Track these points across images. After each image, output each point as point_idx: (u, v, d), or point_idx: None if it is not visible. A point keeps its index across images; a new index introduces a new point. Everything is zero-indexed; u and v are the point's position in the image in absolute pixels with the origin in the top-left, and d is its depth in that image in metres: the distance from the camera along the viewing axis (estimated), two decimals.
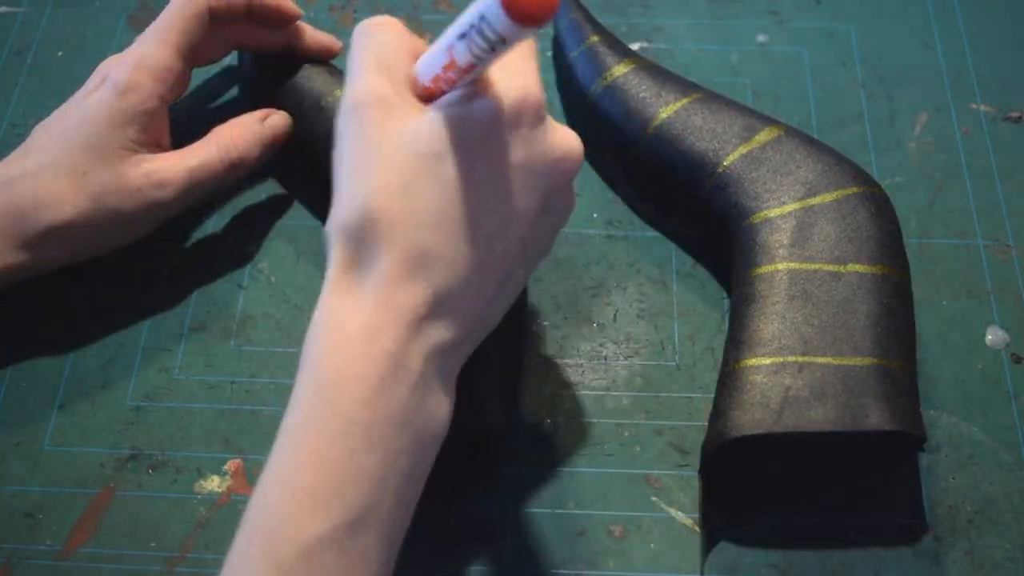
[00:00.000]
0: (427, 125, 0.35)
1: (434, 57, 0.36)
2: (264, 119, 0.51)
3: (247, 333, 0.50)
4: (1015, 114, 0.57)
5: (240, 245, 0.53)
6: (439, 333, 0.35)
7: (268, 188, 0.55)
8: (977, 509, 0.45)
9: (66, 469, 0.46)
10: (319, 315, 0.35)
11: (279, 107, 0.52)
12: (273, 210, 0.54)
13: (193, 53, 0.50)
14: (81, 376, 0.49)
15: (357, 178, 0.36)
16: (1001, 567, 0.43)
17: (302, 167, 0.54)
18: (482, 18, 0.31)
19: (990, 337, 0.49)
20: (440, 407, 0.36)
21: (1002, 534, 0.44)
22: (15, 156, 0.48)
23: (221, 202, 0.54)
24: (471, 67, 0.34)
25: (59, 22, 0.62)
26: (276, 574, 0.32)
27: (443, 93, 0.36)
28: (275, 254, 0.53)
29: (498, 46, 0.32)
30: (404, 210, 0.35)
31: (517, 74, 0.37)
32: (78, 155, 0.47)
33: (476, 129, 0.35)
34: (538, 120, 0.36)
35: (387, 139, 0.35)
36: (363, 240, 0.35)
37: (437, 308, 0.35)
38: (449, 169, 0.35)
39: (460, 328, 0.36)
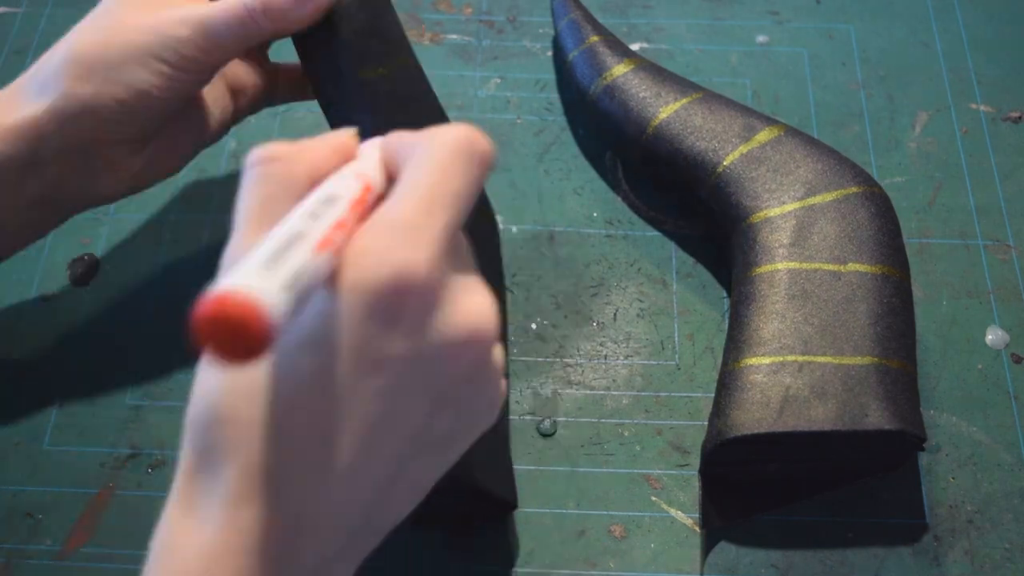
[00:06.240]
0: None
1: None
2: None
3: None
4: (1015, 114, 0.57)
5: None
6: (298, 556, 0.29)
7: None
8: (977, 509, 0.45)
9: (66, 469, 0.46)
10: (159, 532, 0.30)
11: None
12: None
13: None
14: (81, 376, 0.49)
15: (210, 367, 0.30)
16: (1001, 567, 0.43)
17: None
18: None
19: (990, 337, 0.49)
20: None
21: (1002, 534, 0.44)
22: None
23: (221, 200, 0.54)
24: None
25: (59, 22, 0.62)
26: None
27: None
28: None
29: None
30: (250, 417, 0.29)
31: (402, 235, 0.28)
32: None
33: (340, 325, 0.28)
34: (425, 303, 0.29)
35: None
36: (208, 445, 0.29)
37: (291, 530, 0.29)
38: (306, 369, 0.28)
39: (330, 546, 0.30)
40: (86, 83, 0.42)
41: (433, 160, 0.30)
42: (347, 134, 0.34)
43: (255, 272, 0.24)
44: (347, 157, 0.33)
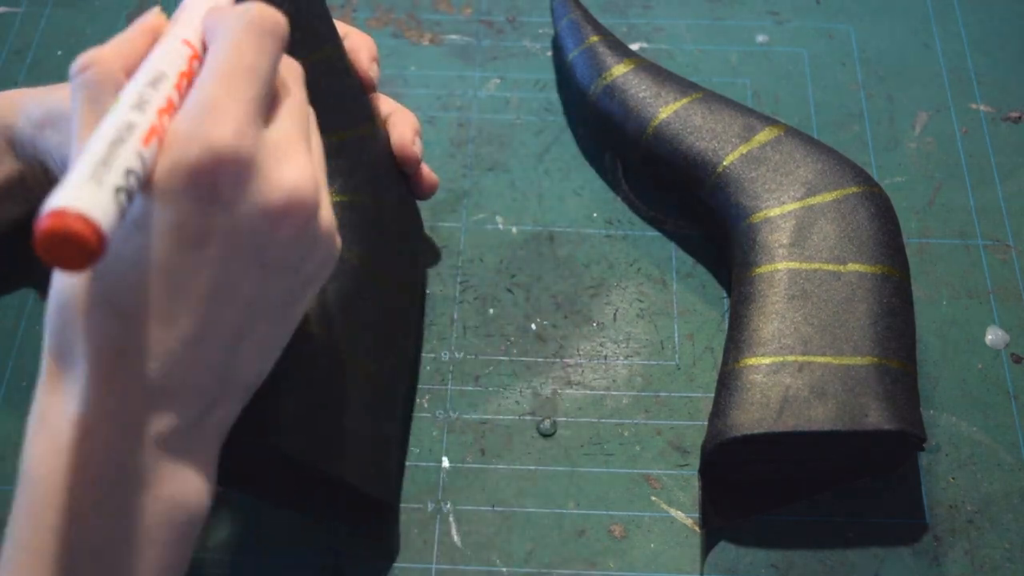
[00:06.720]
0: None
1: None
2: None
3: None
4: (1015, 114, 0.57)
5: None
6: (164, 420, 0.32)
7: None
8: (977, 509, 0.45)
9: None
10: (32, 415, 0.32)
11: None
12: None
13: None
14: None
15: None
16: (1001, 567, 0.43)
17: None
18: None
19: (990, 337, 0.49)
20: (187, 490, 0.33)
21: (1002, 534, 0.44)
22: None
23: None
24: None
25: (59, 22, 0.62)
26: None
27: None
28: None
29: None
30: (93, 301, 0.31)
31: (207, 115, 0.30)
32: None
33: (161, 208, 0.30)
34: (238, 174, 0.31)
35: None
36: (63, 331, 0.32)
37: (152, 396, 0.32)
38: (136, 253, 0.31)
39: (191, 406, 0.33)
40: None
41: (228, 39, 0.32)
42: (153, 15, 0.36)
43: (82, 186, 0.26)
44: (159, 37, 0.35)
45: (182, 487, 0.33)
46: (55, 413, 0.32)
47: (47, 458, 0.31)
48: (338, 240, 0.36)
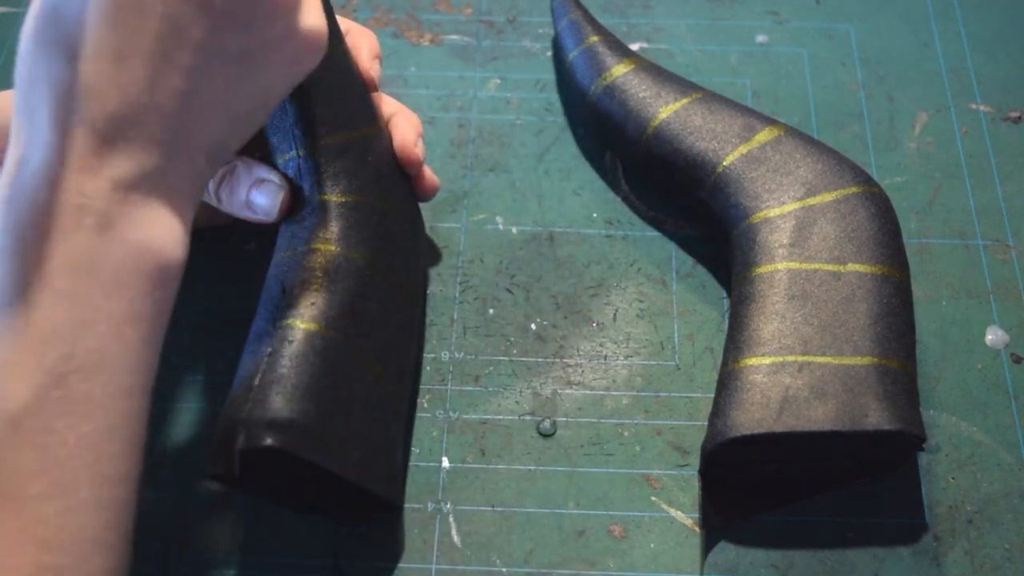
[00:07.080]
0: None
1: None
2: None
3: (248, 332, 0.50)
4: (1015, 114, 0.57)
5: (239, 243, 0.53)
6: (123, 162, 0.33)
7: None
8: (977, 509, 0.45)
9: None
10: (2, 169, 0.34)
11: None
12: None
13: None
14: None
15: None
16: (1001, 567, 0.43)
17: None
18: None
19: (990, 337, 0.49)
20: (154, 235, 0.34)
21: (1002, 534, 0.44)
22: None
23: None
24: None
25: None
26: None
27: None
28: None
29: None
30: (48, 41, 0.33)
31: None
32: None
33: None
34: None
35: None
36: (27, 83, 0.33)
37: (108, 137, 0.33)
38: None
39: (149, 151, 0.34)
40: None
41: None
42: None
43: None
44: None
45: (148, 232, 0.34)
46: (15, 161, 0.33)
47: (10, 205, 0.32)
48: (308, 17, 0.37)
